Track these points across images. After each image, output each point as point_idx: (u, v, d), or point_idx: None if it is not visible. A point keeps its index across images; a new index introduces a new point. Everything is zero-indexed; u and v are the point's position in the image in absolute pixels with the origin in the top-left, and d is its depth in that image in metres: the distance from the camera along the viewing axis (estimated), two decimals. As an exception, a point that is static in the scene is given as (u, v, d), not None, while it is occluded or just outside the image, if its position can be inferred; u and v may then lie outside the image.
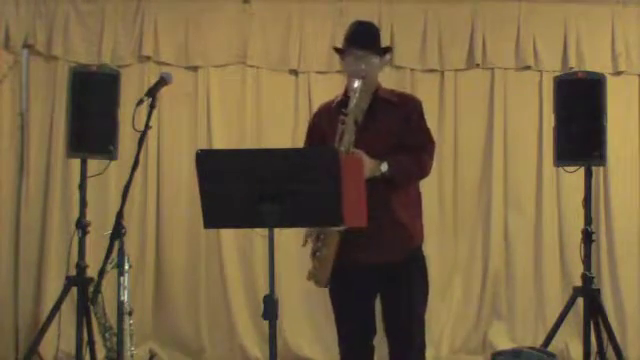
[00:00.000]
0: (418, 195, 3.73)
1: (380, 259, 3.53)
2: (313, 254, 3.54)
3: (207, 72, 5.95)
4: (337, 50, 3.74)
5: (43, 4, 5.80)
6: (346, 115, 3.47)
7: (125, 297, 3.74)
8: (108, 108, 4.68)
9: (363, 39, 3.64)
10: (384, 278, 3.58)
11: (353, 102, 3.50)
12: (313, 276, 3.59)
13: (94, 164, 4.78)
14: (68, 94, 4.76)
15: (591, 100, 4.70)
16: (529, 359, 4.20)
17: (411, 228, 3.63)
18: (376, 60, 3.64)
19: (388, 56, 3.80)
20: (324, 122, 3.72)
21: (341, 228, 3.36)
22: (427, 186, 5.74)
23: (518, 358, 4.22)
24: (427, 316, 5.75)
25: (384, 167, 3.49)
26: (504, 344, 5.72)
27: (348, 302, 3.65)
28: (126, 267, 3.75)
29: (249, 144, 5.88)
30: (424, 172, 3.68)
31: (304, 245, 3.56)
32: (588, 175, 4.77)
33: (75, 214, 4.73)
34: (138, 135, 3.51)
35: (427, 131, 3.70)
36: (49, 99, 5.83)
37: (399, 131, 3.59)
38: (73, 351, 4.78)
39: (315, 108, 5.83)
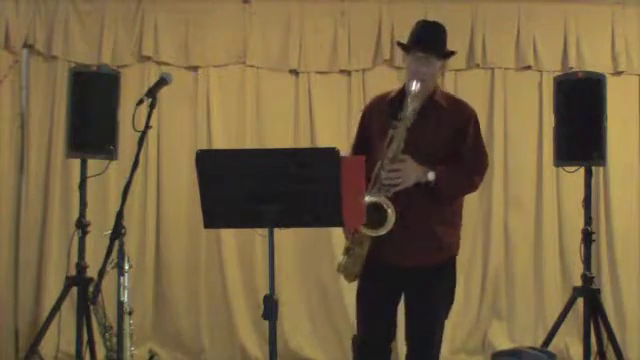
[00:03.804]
0: (459, 206, 3.71)
1: (408, 263, 3.53)
2: (347, 251, 3.54)
3: (207, 72, 5.95)
4: (401, 45, 3.67)
5: (43, 4, 5.80)
6: (399, 120, 3.44)
7: (125, 297, 3.74)
8: (108, 108, 4.68)
9: (428, 41, 3.57)
10: (410, 282, 3.58)
11: (409, 109, 3.46)
12: (344, 269, 3.57)
13: (94, 164, 4.78)
14: (68, 94, 4.76)
15: (591, 100, 4.70)
16: (529, 359, 4.19)
17: (444, 241, 3.61)
18: (438, 63, 3.59)
19: (449, 59, 3.76)
20: (373, 116, 3.69)
21: (376, 234, 3.40)
22: (427, 186, 5.81)
23: (518, 358, 4.22)
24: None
25: (431, 176, 3.47)
26: (504, 344, 5.72)
27: (374, 302, 3.63)
28: (126, 267, 3.75)
29: (249, 144, 5.88)
30: (471, 190, 3.68)
31: (347, 239, 3.56)
32: (588, 175, 4.77)
33: (75, 214, 4.73)
34: (138, 135, 3.51)
35: (483, 150, 3.68)
36: (49, 99, 5.83)
37: (448, 139, 3.56)
38: (73, 351, 4.79)
39: (315, 108, 5.95)
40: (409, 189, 3.45)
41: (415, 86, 3.47)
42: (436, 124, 3.56)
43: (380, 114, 3.65)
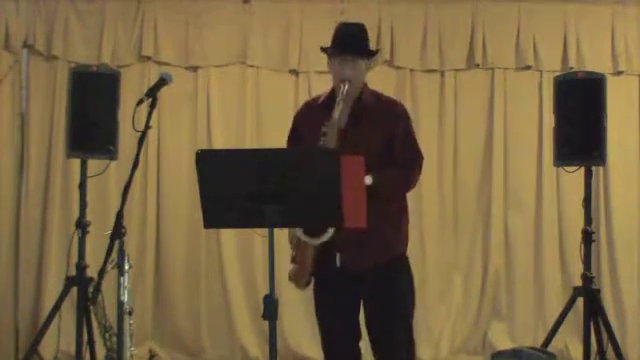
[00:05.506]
0: (402, 205, 3.68)
1: (359, 266, 3.51)
2: (293, 259, 3.53)
3: (207, 72, 5.95)
4: (324, 50, 3.64)
5: (43, 4, 5.81)
6: (328, 127, 3.42)
7: (125, 297, 3.73)
8: (108, 108, 4.69)
9: (351, 44, 3.56)
10: (364, 284, 3.56)
11: (337, 112, 3.44)
12: (293, 278, 3.56)
13: (94, 164, 4.78)
14: (68, 94, 4.77)
15: (591, 100, 4.70)
16: (529, 359, 4.20)
17: (391, 238, 3.59)
18: (363, 64, 3.58)
19: (375, 58, 3.73)
20: (304, 122, 3.67)
21: (314, 243, 3.38)
22: (427, 187, 5.81)
23: (518, 358, 4.22)
24: (427, 316, 5.75)
25: (369, 180, 3.43)
26: (504, 344, 5.72)
27: (331, 308, 3.62)
28: (126, 267, 3.74)
29: (249, 144, 5.88)
30: (410, 187, 3.66)
31: (291, 248, 3.54)
32: (588, 175, 4.77)
33: (75, 214, 4.73)
34: (138, 135, 3.51)
35: (416, 145, 3.66)
36: (49, 99, 5.83)
37: (383, 139, 3.54)
38: (73, 351, 4.80)
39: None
40: None
41: (343, 88, 3.47)
42: (369, 125, 3.55)
43: (311, 119, 3.60)
